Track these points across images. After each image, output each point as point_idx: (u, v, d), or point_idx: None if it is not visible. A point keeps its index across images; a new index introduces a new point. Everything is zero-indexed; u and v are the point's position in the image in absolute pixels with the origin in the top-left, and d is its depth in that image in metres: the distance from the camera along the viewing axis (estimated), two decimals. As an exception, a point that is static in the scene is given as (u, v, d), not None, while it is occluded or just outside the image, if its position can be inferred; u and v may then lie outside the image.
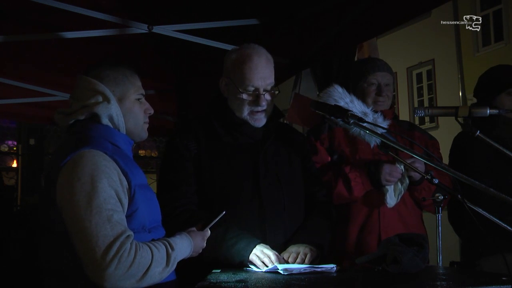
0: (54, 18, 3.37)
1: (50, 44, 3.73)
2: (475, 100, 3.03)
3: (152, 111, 1.93)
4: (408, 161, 2.40)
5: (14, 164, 10.07)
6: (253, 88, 2.20)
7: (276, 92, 2.26)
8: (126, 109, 1.84)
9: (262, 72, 2.20)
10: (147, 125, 1.93)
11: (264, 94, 2.21)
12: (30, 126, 9.86)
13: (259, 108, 2.21)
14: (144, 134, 1.92)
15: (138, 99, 1.89)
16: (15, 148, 10.27)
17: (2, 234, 5.24)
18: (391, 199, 2.58)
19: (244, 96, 2.21)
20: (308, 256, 2.05)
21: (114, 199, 1.64)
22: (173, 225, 2.01)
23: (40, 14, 3.41)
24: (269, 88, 2.23)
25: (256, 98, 2.21)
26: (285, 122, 4.19)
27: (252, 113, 2.22)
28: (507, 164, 2.74)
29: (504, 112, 2.80)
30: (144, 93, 1.92)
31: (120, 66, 1.87)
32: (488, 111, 2.74)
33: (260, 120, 2.24)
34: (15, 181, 9.52)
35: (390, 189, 2.58)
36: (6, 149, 10.48)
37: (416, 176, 2.58)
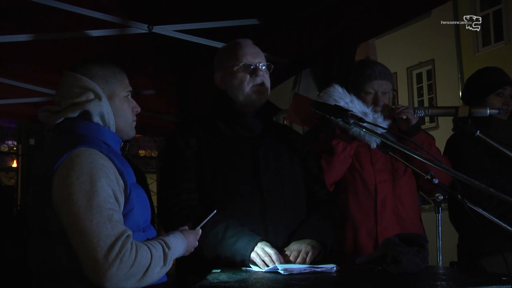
0: (54, 18, 3.36)
1: (50, 44, 3.73)
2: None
3: (139, 109, 1.92)
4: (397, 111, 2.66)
5: (14, 164, 10.03)
6: (248, 63, 2.26)
7: (271, 66, 2.32)
8: (115, 107, 1.83)
9: (252, 50, 2.29)
10: (135, 123, 1.92)
11: (259, 66, 2.27)
12: (30, 126, 9.82)
13: (258, 80, 2.25)
14: (132, 132, 1.91)
15: (126, 97, 1.88)
16: (15, 148, 10.24)
17: (1, 234, 5.23)
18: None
19: (241, 71, 2.26)
20: (309, 254, 2.05)
21: (112, 199, 1.62)
22: (174, 222, 2.02)
23: (40, 14, 3.40)
24: (263, 65, 2.29)
25: (253, 70, 2.26)
26: (285, 122, 4.20)
27: (254, 87, 2.25)
28: (501, 164, 2.76)
29: (504, 112, 2.83)
30: (131, 90, 1.90)
31: (108, 64, 1.86)
32: (488, 111, 2.76)
33: (263, 94, 2.27)
34: (15, 181, 9.49)
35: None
36: (6, 149, 10.44)
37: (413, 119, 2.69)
